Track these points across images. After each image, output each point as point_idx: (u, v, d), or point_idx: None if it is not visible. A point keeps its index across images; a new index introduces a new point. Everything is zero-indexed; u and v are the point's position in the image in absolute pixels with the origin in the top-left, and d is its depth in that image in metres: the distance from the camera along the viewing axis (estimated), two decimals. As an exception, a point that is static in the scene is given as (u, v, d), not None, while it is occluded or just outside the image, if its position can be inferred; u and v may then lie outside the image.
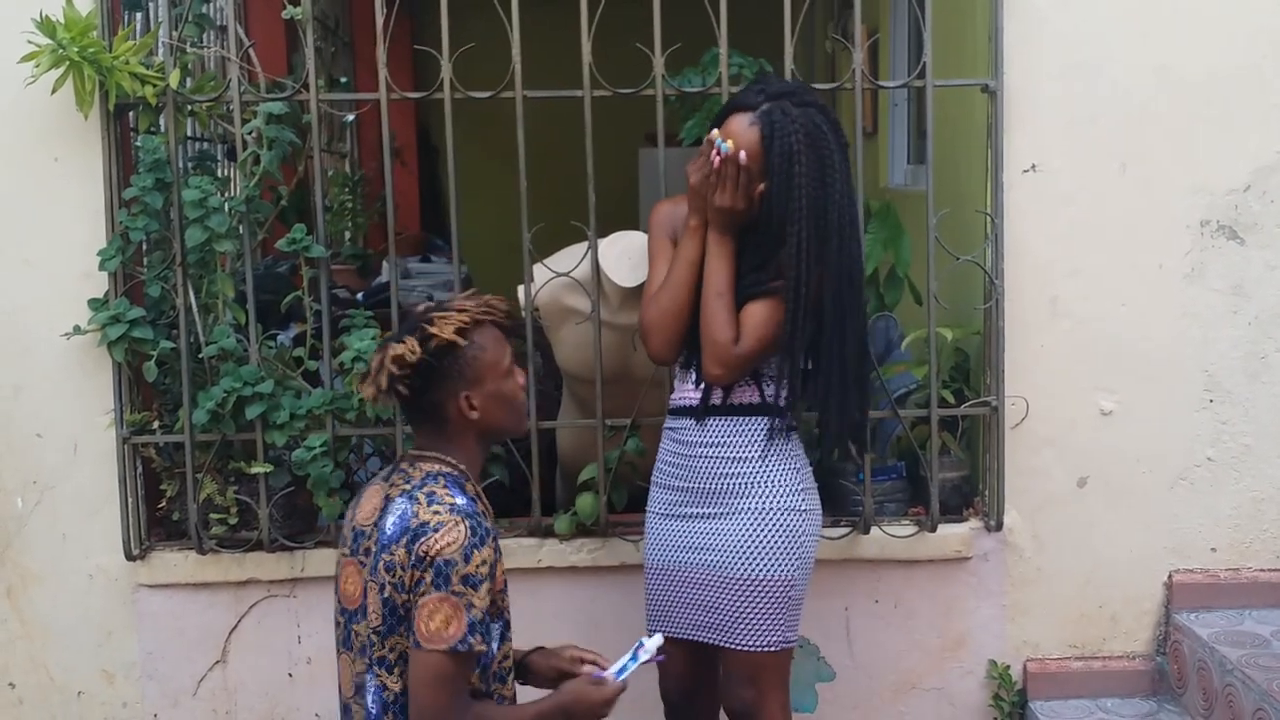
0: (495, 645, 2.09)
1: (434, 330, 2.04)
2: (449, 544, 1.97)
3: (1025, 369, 3.07)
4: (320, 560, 3.09)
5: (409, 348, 2.02)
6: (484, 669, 2.08)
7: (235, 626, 3.14)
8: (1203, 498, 3.12)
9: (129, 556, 3.08)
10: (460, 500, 2.04)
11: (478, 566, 1.99)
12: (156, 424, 3.06)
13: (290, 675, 3.17)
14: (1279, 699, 2.60)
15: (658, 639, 2.26)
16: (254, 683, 3.16)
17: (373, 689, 2.05)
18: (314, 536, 3.13)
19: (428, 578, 1.97)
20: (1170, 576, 3.14)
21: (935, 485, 3.07)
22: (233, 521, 3.06)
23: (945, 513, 3.13)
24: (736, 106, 2.48)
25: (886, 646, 3.16)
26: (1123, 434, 3.10)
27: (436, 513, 2.01)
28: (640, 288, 3.08)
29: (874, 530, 3.08)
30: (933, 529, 3.09)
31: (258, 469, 3.00)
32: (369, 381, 2.06)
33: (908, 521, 3.13)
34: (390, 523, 2.03)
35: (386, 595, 2.01)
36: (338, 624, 2.15)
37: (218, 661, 3.15)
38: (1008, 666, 3.15)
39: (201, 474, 3.03)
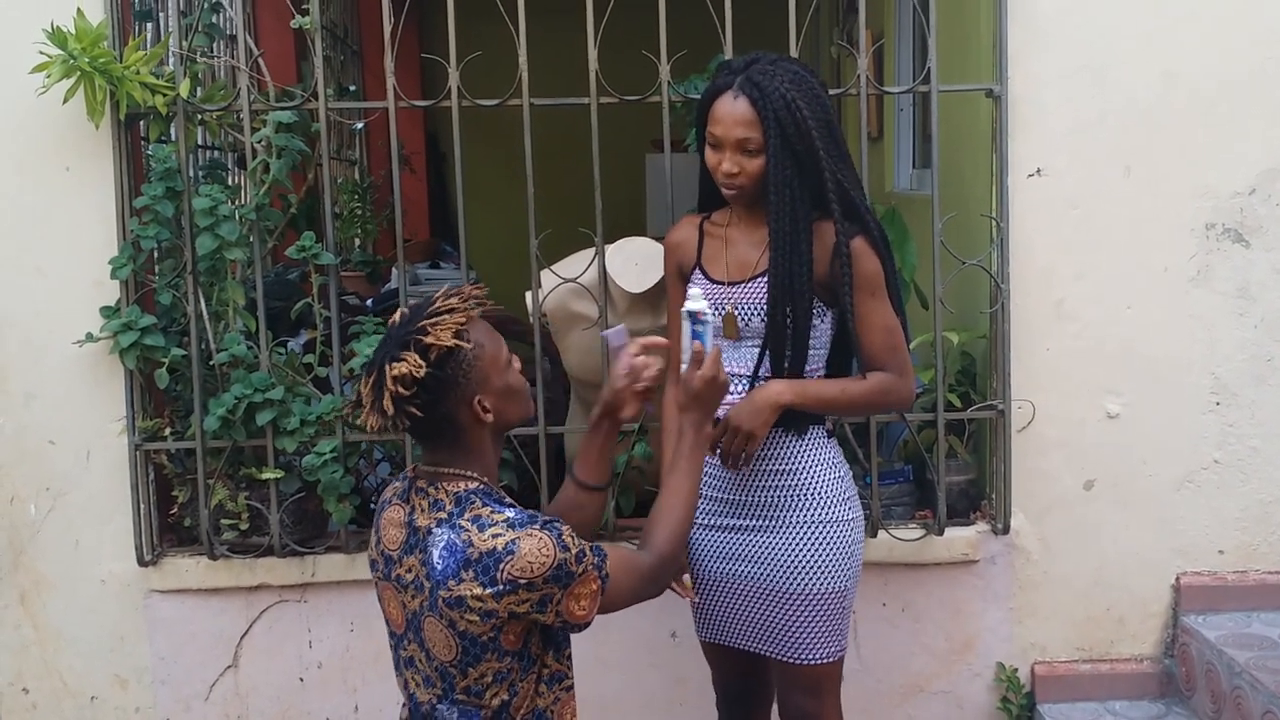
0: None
1: (431, 340, 1.88)
2: (535, 557, 1.84)
3: (1032, 372, 3.07)
4: (331, 565, 3.11)
5: (412, 364, 1.86)
6: (557, 648, 1.99)
7: (247, 631, 3.16)
8: (1210, 500, 3.12)
9: (141, 562, 3.10)
10: (510, 513, 1.90)
11: (569, 541, 1.90)
12: (168, 431, 3.09)
13: (301, 680, 3.18)
14: (1287, 701, 2.61)
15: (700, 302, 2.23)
16: (265, 687, 3.18)
17: (455, 714, 1.94)
18: (324, 541, 3.14)
19: (536, 596, 1.85)
20: (1178, 579, 3.14)
21: (942, 489, 3.08)
22: (244, 527, 3.08)
23: (952, 516, 3.15)
24: (715, 92, 2.34)
25: (894, 649, 3.17)
26: (1129, 437, 3.10)
27: (496, 535, 1.85)
28: (647, 293, 3.11)
29: (881, 533, 3.09)
30: (940, 532, 3.10)
31: (268, 475, 3.02)
32: (371, 410, 1.90)
33: (915, 525, 3.14)
34: (437, 556, 1.88)
35: (462, 629, 1.87)
36: (391, 645, 2.06)
37: (229, 666, 3.17)
38: (1015, 669, 3.16)
39: (213, 480, 3.05)
